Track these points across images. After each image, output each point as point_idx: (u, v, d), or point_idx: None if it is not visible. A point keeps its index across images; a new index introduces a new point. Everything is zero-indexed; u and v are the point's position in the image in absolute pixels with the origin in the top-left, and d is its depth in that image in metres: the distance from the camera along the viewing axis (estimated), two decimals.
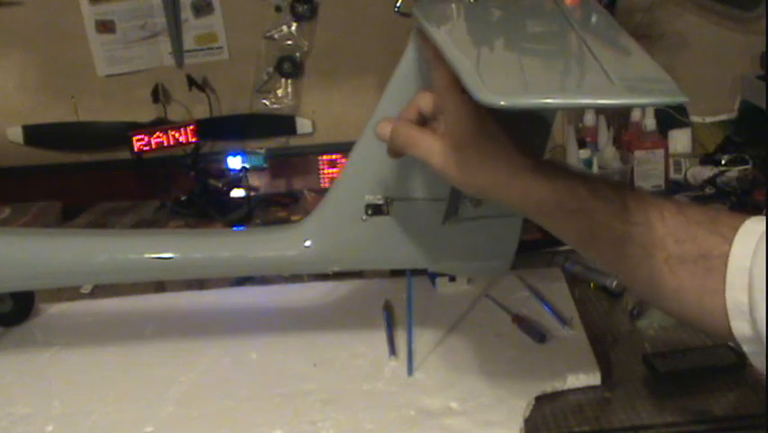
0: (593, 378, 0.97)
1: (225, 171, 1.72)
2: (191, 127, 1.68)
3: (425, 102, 0.80)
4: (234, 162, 1.69)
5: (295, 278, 1.29)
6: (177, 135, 1.66)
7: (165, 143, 1.66)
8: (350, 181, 1.00)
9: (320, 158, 1.80)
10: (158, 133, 1.65)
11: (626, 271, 0.75)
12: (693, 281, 0.70)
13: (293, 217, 1.61)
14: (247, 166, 1.70)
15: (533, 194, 0.74)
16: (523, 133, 0.78)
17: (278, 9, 1.73)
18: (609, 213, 0.73)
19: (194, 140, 1.68)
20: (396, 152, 0.82)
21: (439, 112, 0.78)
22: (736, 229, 0.69)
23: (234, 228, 1.53)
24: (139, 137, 1.64)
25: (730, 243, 0.69)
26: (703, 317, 0.71)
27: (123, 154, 1.75)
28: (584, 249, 0.78)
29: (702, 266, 0.70)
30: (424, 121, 0.80)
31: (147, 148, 1.65)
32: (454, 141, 0.76)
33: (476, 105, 0.66)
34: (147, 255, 1.03)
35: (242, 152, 1.71)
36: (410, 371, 1.01)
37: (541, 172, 0.75)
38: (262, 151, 1.73)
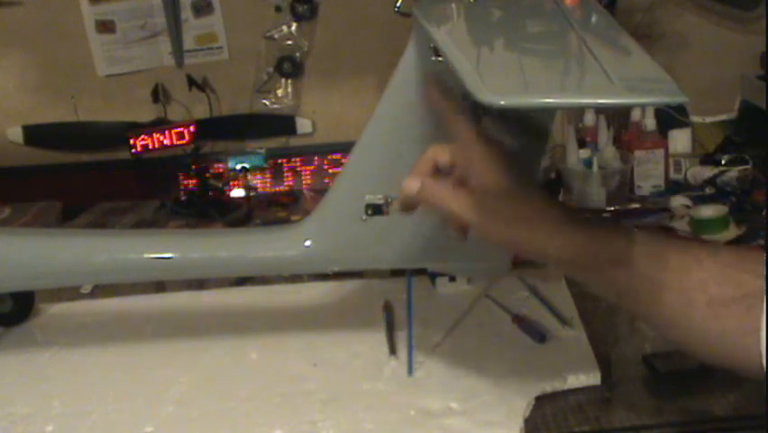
0: (593, 378, 0.97)
1: (225, 171, 1.72)
2: (191, 127, 1.68)
3: (442, 155, 0.78)
4: (234, 162, 1.69)
5: (295, 278, 1.29)
6: (177, 135, 1.66)
7: (165, 143, 1.66)
8: (350, 181, 1.00)
9: (320, 158, 1.80)
10: (158, 134, 1.65)
11: (666, 319, 0.74)
12: (736, 323, 0.69)
13: (293, 217, 1.61)
14: (247, 166, 1.70)
15: (570, 246, 0.73)
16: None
17: (278, 9, 1.73)
18: (646, 261, 0.72)
19: (194, 140, 1.68)
20: (412, 207, 0.81)
21: (464, 165, 0.77)
22: (762, 262, 0.69)
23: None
24: (139, 137, 1.64)
25: (762, 278, 0.68)
26: (748, 358, 0.69)
27: (123, 154, 1.75)
28: (623, 300, 0.77)
29: (743, 306, 0.69)
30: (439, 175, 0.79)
31: (147, 148, 1.65)
32: (485, 194, 0.75)
33: (503, 155, 0.68)
34: (147, 255, 1.03)
35: (242, 153, 1.71)
36: (410, 371, 1.01)
37: (576, 223, 0.74)
38: (262, 151, 1.73)
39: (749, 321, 0.68)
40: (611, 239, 0.73)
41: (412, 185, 0.78)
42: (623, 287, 0.74)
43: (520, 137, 0.90)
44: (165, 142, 1.66)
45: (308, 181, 1.81)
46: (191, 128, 1.68)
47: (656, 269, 0.72)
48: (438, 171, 0.78)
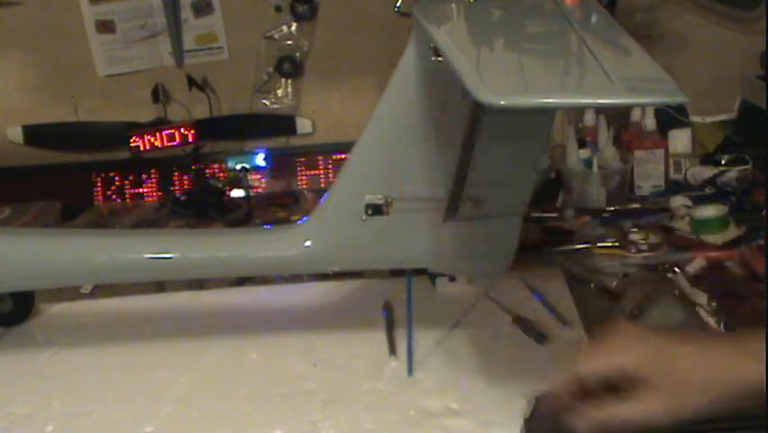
0: None
1: (225, 171, 1.72)
2: (191, 127, 1.68)
3: (592, 373, 0.73)
4: (234, 162, 1.69)
5: (295, 278, 1.29)
6: (177, 135, 1.66)
7: (165, 143, 1.66)
8: (350, 181, 1.00)
9: (320, 158, 1.80)
10: (158, 134, 1.65)
11: None
12: None
13: (293, 217, 1.61)
14: (247, 166, 1.70)
15: (759, 355, 0.68)
16: None
17: (278, 9, 1.73)
18: None
19: (194, 140, 1.68)
20: None
21: (632, 381, 0.71)
22: None
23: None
24: (139, 137, 1.64)
25: None
26: None
27: (123, 154, 1.75)
28: None
29: None
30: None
31: (147, 148, 1.65)
32: (661, 386, 0.70)
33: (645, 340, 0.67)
34: (147, 255, 1.04)
35: (242, 153, 1.71)
36: (410, 371, 1.01)
37: (746, 334, 0.72)
38: (262, 151, 1.73)
39: None
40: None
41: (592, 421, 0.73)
42: None
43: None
44: (165, 142, 1.66)
45: (308, 181, 1.81)
46: (191, 128, 1.68)
47: None
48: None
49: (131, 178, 1.80)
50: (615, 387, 0.72)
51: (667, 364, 0.70)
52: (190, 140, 1.68)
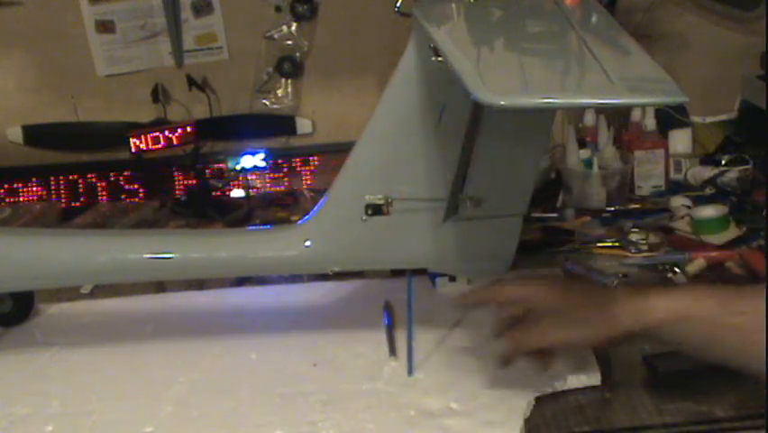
0: (593, 378, 0.97)
1: (225, 171, 1.72)
2: (191, 127, 1.68)
3: (514, 310, 0.92)
4: (234, 162, 1.69)
5: (295, 278, 1.29)
6: (177, 135, 1.66)
7: (165, 143, 1.66)
8: (350, 181, 1.00)
9: (320, 158, 1.80)
10: (158, 134, 1.65)
11: (757, 358, 0.78)
12: None
13: (293, 217, 1.61)
14: (247, 166, 1.70)
15: (649, 313, 0.82)
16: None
17: (278, 9, 1.73)
18: (718, 311, 0.79)
19: (194, 140, 1.68)
20: (513, 359, 0.93)
21: (534, 311, 0.90)
22: None
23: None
24: (139, 137, 1.64)
25: None
26: None
27: (123, 154, 1.74)
28: (710, 353, 0.84)
29: None
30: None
31: (146, 148, 1.65)
32: (568, 312, 0.87)
33: (553, 281, 0.88)
34: (147, 255, 1.03)
35: (243, 153, 1.70)
36: (410, 371, 1.01)
37: (645, 293, 0.83)
38: (262, 151, 1.73)
39: None
40: (681, 299, 0.82)
41: (507, 346, 0.91)
42: (703, 338, 0.81)
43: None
44: (165, 142, 1.66)
45: (308, 181, 1.81)
46: (191, 128, 1.67)
47: (729, 314, 0.78)
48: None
49: (131, 178, 1.80)
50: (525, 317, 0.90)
51: (566, 303, 0.87)
52: (190, 140, 1.68)
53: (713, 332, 0.80)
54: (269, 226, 1.49)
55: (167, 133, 1.66)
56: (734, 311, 0.78)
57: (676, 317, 0.81)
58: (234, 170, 1.70)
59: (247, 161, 1.69)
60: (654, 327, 0.83)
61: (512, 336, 0.91)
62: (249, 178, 1.71)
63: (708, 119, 1.76)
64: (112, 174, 1.80)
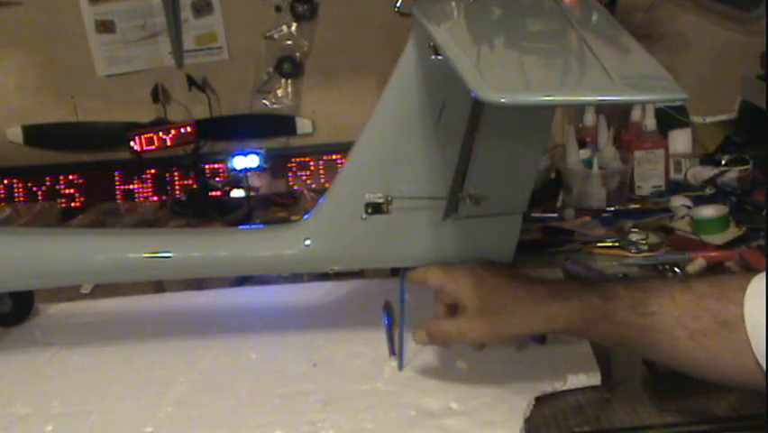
0: (593, 378, 0.97)
1: (225, 171, 1.72)
2: (191, 127, 1.68)
3: (444, 297, 0.94)
4: (234, 162, 1.69)
5: (295, 278, 1.29)
6: (177, 135, 1.66)
7: (165, 143, 1.66)
8: (350, 181, 1.00)
9: (320, 158, 1.80)
10: (158, 133, 1.65)
11: (660, 356, 0.85)
12: (722, 348, 0.77)
13: (293, 217, 1.61)
14: (247, 166, 1.70)
15: (557, 319, 0.85)
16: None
17: (278, 9, 1.73)
18: (626, 311, 0.82)
19: (194, 140, 1.68)
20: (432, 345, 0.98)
21: (454, 300, 0.92)
22: (743, 290, 0.77)
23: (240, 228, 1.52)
24: (139, 137, 1.64)
25: (741, 305, 0.76)
26: (746, 375, 0.77)
27: (123, 154, 1.75)
28: (619, 347, 0.91)
29: (725, 333, 0.77)
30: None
31: (147, 148, 1.65)
32: (475, 313, 0.88)
33: (471, 274, 0.88)
34: (147, 255, 1.03)
35: (242, 152, 1.70)
36: (401, 366, 1.01)
37: (556, 297, 0.86)
38: (262, 151, 1.73)
39: (735, 344, 0.76)
40: (591, 301, 0.84)
41: (421, 334, 0.93)
42: (615, 337, 0.85)
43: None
44: (165, 142, 1.66)
45: (308, 181, 1.81)
46: (191, 128, 1.67)
47: (636, 314, 0.82)
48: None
49: (131, 178, 1.80)
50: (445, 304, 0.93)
51: (485, 295, 0.88)
52: (190, 140, 1.68)
53: (621, 332, 0.83)
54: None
55: (167, 133, 1.66)
56: (642, 312, 0.81)
57: (581, 325, 0.84)
58: (234, 170, 1.70)
59: (247, 161, 1.69)
60: (563, 331, 0.88)
61: (426, 328, 0.93)
62: (249, 178, 1.71)
63: (708, 119, 1.76)
64: (112, 174, 1.80)
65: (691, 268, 1.23)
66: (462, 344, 0.95)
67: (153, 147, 1.65)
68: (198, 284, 1.29)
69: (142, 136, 1.64)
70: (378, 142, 0.96)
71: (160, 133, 1.65)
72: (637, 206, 1.53)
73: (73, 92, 1.79)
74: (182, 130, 1.67)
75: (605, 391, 0.96)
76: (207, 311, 1.22)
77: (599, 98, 0.69)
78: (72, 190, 1.79)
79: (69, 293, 1.28)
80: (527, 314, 0.86)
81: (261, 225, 1.52)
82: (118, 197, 1.80)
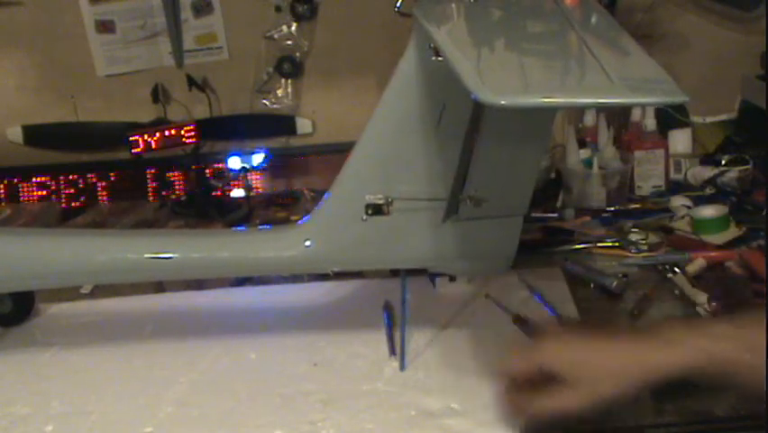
0: None
1: (225, 171, 1.72)
2: (191, 127, 1.68)
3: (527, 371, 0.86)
4: (234, 162, 1.69)
5: (295, 278, 1.29)
6: (177, 135, 1.66)
7: (165, 144, 1.66)
8: (350, 181, 1.00)
9: (320, 158, 1.80)
10: (158, 134, 1.65)
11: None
12: None
13: (293, 217, 1.61)
14: (247, 166, 1.70)
15: (661, 368, 0.80)
16: None
17: (278, 9, 1.73)
18: (737, 351, 0.78)
19: (194, 140, 1.68)
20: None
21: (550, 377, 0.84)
22: None
23: (235, 228, 1.53)
24: (139, 137, 1.64)
25: None
26: None
27: (123, 154, 1.74)
28: (733, 385, 0.82)
29: None
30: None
31: (147, 148, 1.65)
32: (572, 383, 0.82)
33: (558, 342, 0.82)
34: (147, 255, 1.03)
35: (242, 152, 1.70)
36: (402, 366, 1.01)
37: (659, 346, 0.80)
38: (262, 151, 1.73)
39: None
40: (698, 344, 0.79)
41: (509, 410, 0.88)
42: (731, 379, 0.79)
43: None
44: (165, 142, 1.66)
45: (308, 181, 1.80)
46: (191, 128, 1.67)
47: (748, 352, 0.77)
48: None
49: (130, 178, 1.80)
50: (543, 381, 0.84)
51: (580, 361, 0.82)
52: (190, 140, 1.68)
53: (731, 371, 0.79)
54: (268, 226, 1.49)
55: (167, 133, 1.66)
56: (748, 348, 0.77)
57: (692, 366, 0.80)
58: (234, 169, 1.70)
59: (247, 161, 1.69)
60: (665, 378, 0.81)
61: (515, 401, 0.87)
62: (249, 178, 1.71)
63: (708, 119, 1.76)
64: (112, 174, 1.80)
65: (691, 268, 1.23)
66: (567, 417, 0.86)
67: (153, 147, 1.65)
68: (198, 284, 1.29)
69: (142, 136, 1.64)
70: (378, 143, 0.96)
71: (160, 133, 1.65)
72: (637, 206, 1.53)
73: (73, 92, 1.79)
74: (182, 130, 1.67)
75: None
76: (207, 311, 1.22)
77: (599, 101, 0.69)
78: (72, 190, 1.79)
79: (69, 293, 1.28)
80: (624, 373, 0.81)
81: (267, 226, 1.51)
82: (118, 197, 1.79)
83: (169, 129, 1.66)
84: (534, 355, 0.86)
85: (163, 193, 1.78)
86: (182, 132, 1.66)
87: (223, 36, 1.76)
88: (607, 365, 0.81)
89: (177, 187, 1.78)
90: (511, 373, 0.88)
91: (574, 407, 0.82)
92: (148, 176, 1.79)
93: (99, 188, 1.80)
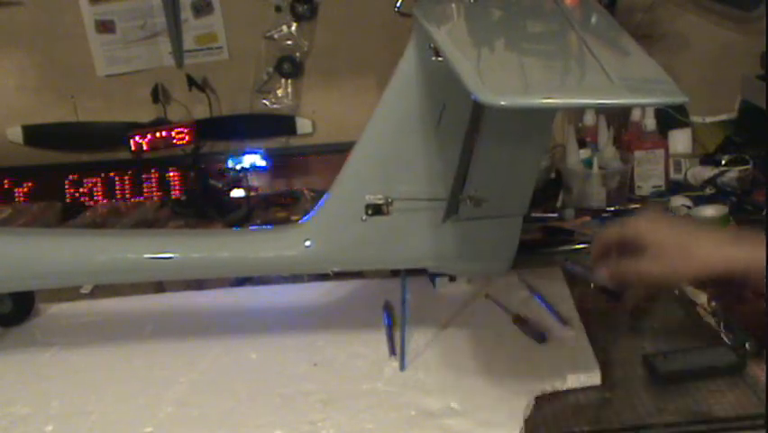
0: (593, 378, 0.97)
1: (225, 171, 1.72)
2: (191, 127, 1.68)
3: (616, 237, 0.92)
4: (234, 162, 1.69)
5: (295, 278, 1.29)
6: (177, 135, 1.66)
7: (165, 144, 1.66)
8: (350, 181, 1.00)
9: (320, 158, 1.80)
10: (158, 134, 1.65)
11: None
12: None
13: (293, 217, 1.61)
14: (247, 166, 1.70)
15: (737, 264, 0.84)
16: None
17: (278, 9, 1.73)
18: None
19: (194, 140, 1.68)
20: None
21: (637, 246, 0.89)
22: None
23: (234, 229, 1.53)
24: (139, 137, 1.64)
25: None
26: None
27: (123, 154, 1.75)
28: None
29: None
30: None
31: (146, 148, 1.65)
32: (656, 253, 0.86)
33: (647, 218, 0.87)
34: (147, 255, 1.03)
35: (242, 152, 1.70)
36: (402, 366, 1.01)
37: (739, 243, 0.85)
38: (262, 151, 1.73)
39: None
40: None
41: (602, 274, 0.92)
42: None
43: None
44: (165, 142, 1.66)
45: (308, 181, 1.81)
46: (191, 128, 1.67)
47: None
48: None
49: (131, 178, 1.80)
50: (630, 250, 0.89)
51: (668, 239, 0.86)
52: (190, 140, 1.68)
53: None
54: (269, 226, 1.49)
55: (167, 133, 1.66)
56: None
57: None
58: (234, 169, 1.70)
59: (247, 161, 1.69)
60: (742, 275, 0.85)
61: (607, 268, 0.91)
62: (249, 178, 1.71)
63: (708, 119, 1.76)
64: (112, 174, 1.80)
65: None
66: (642, 284, 0.93)
67: (153, 147, 1.65)
68: (198, 284, 1.29)
69: (142, 136, 1.64)
70: (378, 143, 0.96)
71: (160, 133, 1.65)
72: (637, 206, 1.53)
73: (73, 92, 1.79)
74: (182, 130, 1.67)
75: (605, 391, 0.96)
76: (207, 311, 1.22)
77: (599, 101, 0.69)
78: (72, 190, 1.79)
79: (69, 293, 1.28)
80: (708, 255, 0.85)
81: (268, 226, 1.51)
82: (118, 197, 1.80)
83: (169, 129, 1.66)
84: (628, 227, 0.90)
85: (163, 193, 1.78)
86: (182, 131, 1.66)
87: (223, 36, 1.76)
88: (691, 249, 0.85)
89: (177, 187, 1.78)
90: (603, 238, 0.93)
91: (654, 275, 0.87)
92: (148, 176, 1.79)
93: (99, 189, 1.80)
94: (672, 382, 0.96)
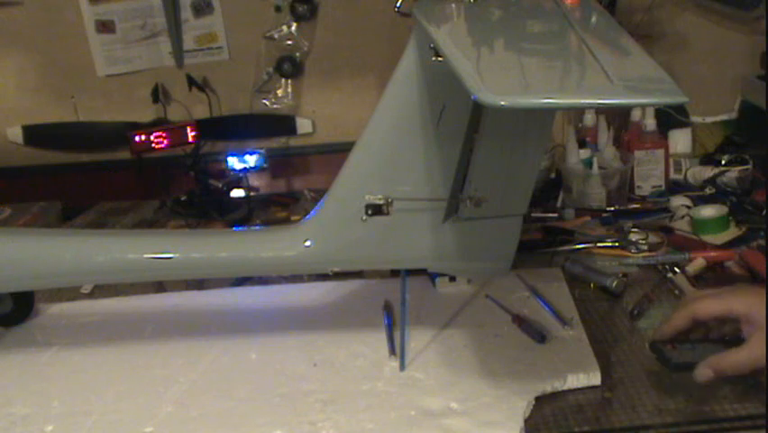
0: (593, 378, 0.97)
1: (225, 171, 1.72)
2: (191, 127, 1.68)
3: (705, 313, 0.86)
4: (234, 162, 1.69)
5: (295, 278, 1.29)
6: (176, 135, 1.66)
7: (165, 143, 1.66)
8: (350, 181, 1.00)
9: (320, 158, 1.80)
10: (158, 134, 1.65)
11: None
12: None
13: (293, 217, 1.61)
14: (247, 166, 1.70)
15: None
16: None
17: (278, 9, 1.73)
18: None
19: (194, 140, 1.68)
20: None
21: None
22: None
23: (235, 228, 1.53)
24: (139, 137, 1.64)
25: None
26: None
27: (123, 154, 1.75)
28: None
29: None
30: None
31: (147, 148, 1.65)
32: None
33: (748, 290, 0.80)
34: (147, 255, 1.04)
35: (242, 152, 1.70)
36: (402, 366, 1.01)
37: None
38: (262, 151, 1.73)
39: None
40: None
41: (706, 374, 0.85)
42: None
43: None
44: (165, 142, 1.66)
45: (308, 181, 1.81)
46: (191, 128, 1.67)
47: None
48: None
49: (131, 178, 1.79)
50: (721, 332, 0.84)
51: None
52: (190, 140, 1.68)
53: None
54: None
55: (167, 133, 1.66)
56: None
57: None
58: (234, 169, 1.70)
59: (247, 161, 1.69)
60: None
61: (713, 363, 0.84)
62: (249, 178, 1.71)
63: (708, 119, 1.76)
64: (112, 174, 1.80)
65: (691, 268, 1.24)
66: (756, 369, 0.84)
67: (153, 147, 1.65)
68: (198, 284, 1.29)
69: (142, 136, 1.64)
70: (378, 143, 0.96)
71: (160, 133, 1.65)
72: (637, 206, 1.53)
73: (73, 92, 1.79)
74: (182, 130, 1.67)
75: (605, 391, 0.96)
76: (207, 311, 1.22)
77: (599, 102, 0.69)
78: (72, 190, 1.79)
79: (69, 293, 1.28)
80: None
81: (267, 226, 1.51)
82: (118, 197, 1.79)
83: (169, 129, 1.66)
84: (727, 304, 0.83)
85: (163, 193, 1.77)
86: (182, 131, 1.66)
87: (223, 36, 1.76)
88: None
89: (177, 187, 1.78)
90: (696, 313, 0.86)
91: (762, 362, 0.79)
92: (148, 176, 1.79)
93: (99, 189, 1.80)
94: (679, 370, 0.94)
